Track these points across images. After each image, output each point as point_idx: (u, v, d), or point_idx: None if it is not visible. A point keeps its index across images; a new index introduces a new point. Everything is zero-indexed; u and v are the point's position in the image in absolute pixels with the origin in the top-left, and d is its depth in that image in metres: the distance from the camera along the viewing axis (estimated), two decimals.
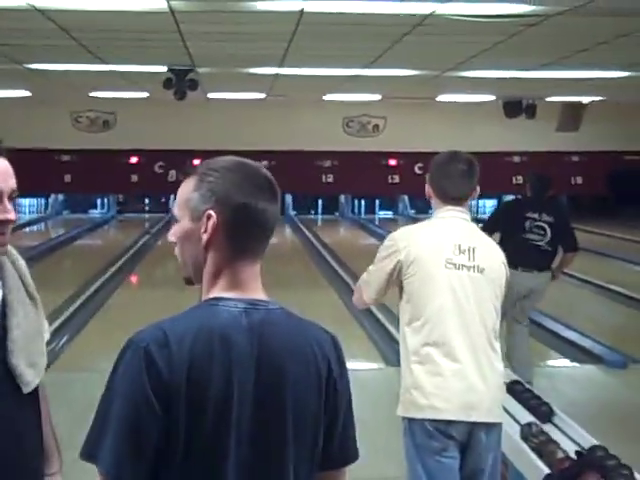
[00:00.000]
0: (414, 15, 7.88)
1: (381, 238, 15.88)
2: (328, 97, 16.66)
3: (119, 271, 12.53)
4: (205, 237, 1.75)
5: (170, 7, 7.40)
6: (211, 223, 1.74)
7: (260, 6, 7.45)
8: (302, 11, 7.68)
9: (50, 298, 9.99)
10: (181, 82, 11.53)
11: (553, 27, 8.29)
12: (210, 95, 15.89)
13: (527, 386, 4.99)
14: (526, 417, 4.54)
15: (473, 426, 3.25)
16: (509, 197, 22.80)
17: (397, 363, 7.10)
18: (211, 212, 1.75)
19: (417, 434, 3.34)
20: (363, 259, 12.51)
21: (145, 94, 16.03)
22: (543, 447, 3.94)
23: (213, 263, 1.77)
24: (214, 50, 10.15)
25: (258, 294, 1.79)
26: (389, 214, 22.88)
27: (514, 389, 4.93)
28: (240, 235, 1.76)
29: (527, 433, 4.16)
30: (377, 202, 22.87)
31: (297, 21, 8.16)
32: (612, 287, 11.29)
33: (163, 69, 11.47)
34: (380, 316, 8.97)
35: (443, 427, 3.24)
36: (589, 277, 12.11)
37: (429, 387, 3.28)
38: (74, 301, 10.01)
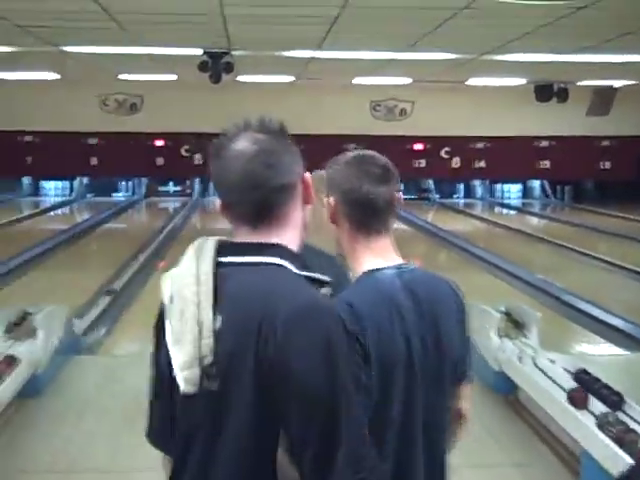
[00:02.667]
0: (456, 5, 7.83)
1: (407, 222, 15.87)
2: (356, 80, 16.56)
3: (152, 256, 12.48)
4: (327, 217, 2.15)
5: None
6: (328, 205, 2.13)
7: None
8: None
9: (85, 283, 10.12)
10: (217, 65, 11.48)
11: (601, 10, 8.20)
12: (240, 78, 15.81)
13: (594, 375, 4.92)
14: (598, 407, 4.48)
15: None
16: (535, 182, 22.95)
17: None
18: (330, 198, 2.14)
19: None
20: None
21: (173, 77, 15.97)
22: (623, 436, 3.89)
23: (345, 239, 2.14)
24: (254, 33, 10.08)
25: (396, 259, 2.14)
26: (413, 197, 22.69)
27: (582, 378, 4.87)
28: (353, 214, 2.12)
29: (604, 422, 4.10)
30: (402, 186, 22.68)
31: (342, 5, 8.09)
32: None
33: (199, 52, 11.41)
34: None
35: None
36: (623, 263, 12.03)
37: None
38: (111, 285, 9.98)
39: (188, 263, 1.75)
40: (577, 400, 4.46)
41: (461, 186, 22.88)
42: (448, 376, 2.13)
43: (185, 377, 1.66)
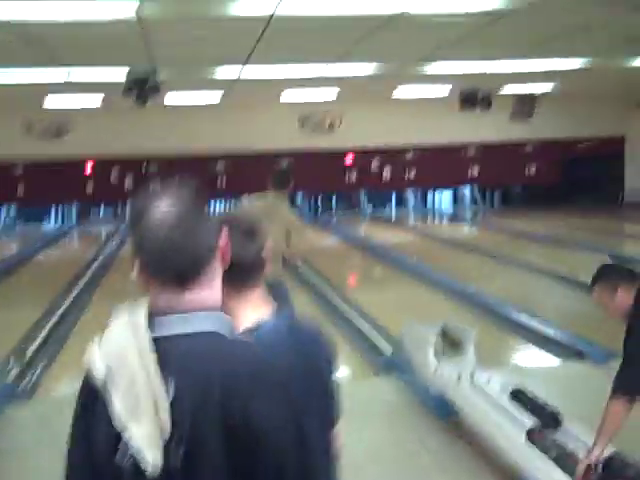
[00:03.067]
0: (383, 15, 7.86)
1: (340, 236, 15.81)
2: (285, 96, 16.55)
3: (86, 286, 12.21)
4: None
5: (138, 16, 7.26)
6: None
7: (231, 11, 7.33)
8: (273, 14, 7.59)
9: (19, 318, 9.83)
10: (142, 89, 11.33)
11: (519, 20, 8.36)
12: (168, 99, 15.64)
13: (531, 394, 4.95)
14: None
15: None
16: (466, 189, 23.25)
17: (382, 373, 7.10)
18: None
19: None
20: (326, 258, 12.68)
21: (99, 101, 15.73)
22: (564, 460, 3.91)
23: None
24: (178, 54, 10.00)
25: (270, 309, 2.27)
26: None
27: (520, 398, 4.90)
28: (223, 274, 1.94)
29: (544, 446, 4.12)
30: (334, 199, 22.76)
31: (267, 23, 8.06)
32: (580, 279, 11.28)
33: (124, 76, 11.25)
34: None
35: None
36: (553, 268, 12.19)
37: None
38: (46, 323, 9.69)
39: (123, 333, 1.69)
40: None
41: (393, 196, 23.01)
42: (332, 422, 2.25)
43: (149, 456, 1.60)
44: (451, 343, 6.22)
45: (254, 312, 2.24)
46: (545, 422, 4.56)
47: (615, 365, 3.97)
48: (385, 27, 8.43)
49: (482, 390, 5.27)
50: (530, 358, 8.05)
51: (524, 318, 9.19)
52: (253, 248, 2.27)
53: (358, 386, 6.64)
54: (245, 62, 10.99)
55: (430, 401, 5.99)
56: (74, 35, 8.21)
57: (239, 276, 2.22)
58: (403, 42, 9.75)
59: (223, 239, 1.85)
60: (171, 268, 1.74)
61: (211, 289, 1.79)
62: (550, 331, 8.57)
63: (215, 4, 6.99)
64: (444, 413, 5.81)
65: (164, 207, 1.74)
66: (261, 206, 6.30)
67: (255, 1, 6.90)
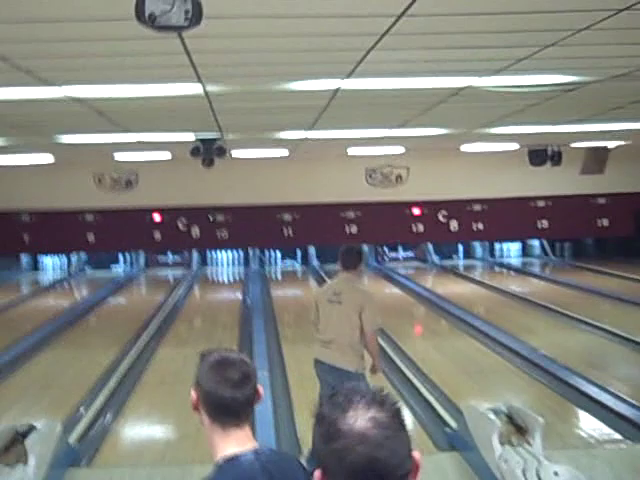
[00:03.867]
0: (449, 88, 7.82)
1: (405, 289, 15.32)
2: (351, 150, 16.62)
3: (154, 333, 12.33)
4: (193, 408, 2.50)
5: (205, 91, 7.36)
6: (192, 397, 2.49)
7: (295, 86, 7.38)
8: (338, 89, 7.61)
9: (87, 366, 9.94)
10: (209, 150, 11.50)
11: (587, 91, 8.21)
12: (234, 154, 15.84)
13: None
14: None
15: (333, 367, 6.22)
16: (534, 241, 22.87)
17: (448, 447, 6.94)
18: (193, 392, 2.49)
19: None
20: (390, 311, 12.12)
21: (168, 155, 16.01)
22: None
23: (206, 426, 2.46)
24: (244, 121, 10.11)
25: (252, 445, 2.41)
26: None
27: None
28: (211, 412, 2.43)
29: None
30: (400, 249, 22.68)
31: (331, 97, 8.10)
32: None
33: (191, 138, 11.43)
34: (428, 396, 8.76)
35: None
36: (629, 331, 11.65)
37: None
38: (113, 375, 9.78)
39: None
40: None
41: (460, 247, 22.80)
42: None
43: None
44: (516, 428, 6.06)
45: (233, 447, 2.38)
46: None
47: None
48: (451, 99, 8.39)
49: None
50: (599, 437, 7.56)
51: (594, 390, 8.82)
52: (240, 396, 2.41)
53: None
54: (310, 128, 11.07)
55: None
56: (143, 107, 8.36)
57: (222, 417, 2.41)
58: (469, 111, 9.70)
59: (416, 452, 1.70)
60: None
61: None
62: (622, 407, 8.17)
63: (278, 81, 7.05)
64: None
65: (363, 421, 1.62)
66: (329, 291, 6.51)
67: (319, 78, 6.92)
